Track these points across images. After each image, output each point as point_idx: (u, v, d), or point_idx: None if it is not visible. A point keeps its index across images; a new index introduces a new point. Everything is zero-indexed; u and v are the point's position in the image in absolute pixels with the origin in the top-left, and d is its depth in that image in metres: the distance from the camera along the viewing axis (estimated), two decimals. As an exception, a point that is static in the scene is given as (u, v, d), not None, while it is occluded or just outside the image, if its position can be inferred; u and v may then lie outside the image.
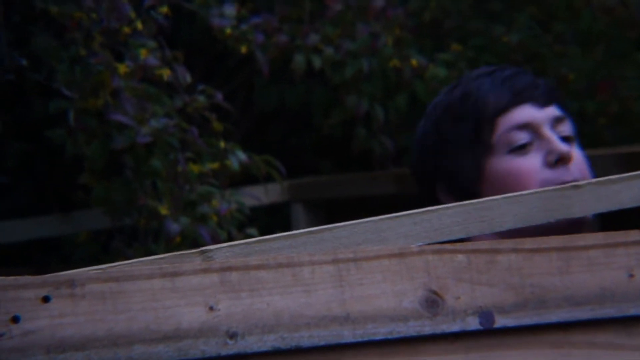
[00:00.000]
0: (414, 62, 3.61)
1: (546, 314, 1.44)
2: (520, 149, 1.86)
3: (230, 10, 3.47)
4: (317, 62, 3.57)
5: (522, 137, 1.85)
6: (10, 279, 1.30)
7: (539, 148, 1.86)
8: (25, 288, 1.30)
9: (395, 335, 1.40)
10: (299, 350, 1.37)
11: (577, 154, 1.87)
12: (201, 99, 3.14)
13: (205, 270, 1.36)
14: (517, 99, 1.88)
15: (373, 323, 1.40)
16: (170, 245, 2.92)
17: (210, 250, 1.40)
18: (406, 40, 3.72)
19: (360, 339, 1.39)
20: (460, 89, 1.93)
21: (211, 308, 1.35)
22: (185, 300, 1.35)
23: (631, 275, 1.46)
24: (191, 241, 2.96)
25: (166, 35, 3.22)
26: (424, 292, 1.42)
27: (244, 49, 3.44)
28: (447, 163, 1.91)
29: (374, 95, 3.72)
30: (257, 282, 1.38)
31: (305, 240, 1.44)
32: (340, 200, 3.89)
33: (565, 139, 1.88)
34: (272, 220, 3.98)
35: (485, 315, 1.43)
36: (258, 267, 1.38)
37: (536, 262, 1.46)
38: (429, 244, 1.47)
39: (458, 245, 1.45)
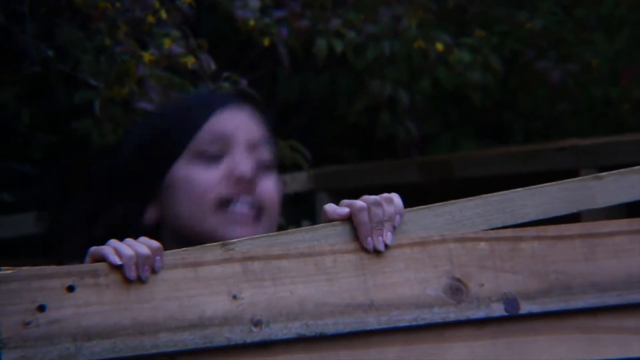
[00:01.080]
0: (439, 46, 3.59)
1: (572, 299, 1.44)
2: (208, 160, 1.73)
3: (253, 2, 3.46)
4: (338, 46, 3.56)
5: (212, 147, 1.73)
6: (36, 268, 1.31)
7: (227, 161, 1.73)
8: (50, 278, 1.31)
9: (420, 322, 1.40)
10: (323, 337, 1.38)
11: (268, 183, 1.74)
12: (226, 85, 3.15)
13: (227, 260, 1.37)
14: (220, 106, 1.77)
15: (397, 310, 1.40)
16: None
17: (232, 243, 1.41)
18: (430, 22, 3.70)
19: (385, 326, 1.40)
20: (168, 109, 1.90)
21: (235, 297, 1.36)
22: (209, 289, 1.35)
23: (657, 261, 1.46)
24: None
25: (190, 24, 3.23)
26: (447, 279, 1.42)
27: (266, 42, 3.44)
28: (131, 166, 1.75)
29: (399, 80, 3.71)
30: (280, 271, 1.38)
31: (327, 233, 1.44)
32: (365, 189, 3.87)
33: (264, 166, 1.75)
34: (297, 209, 3.99)
35: (510, 301, 1.43)
36: (280, 257, 1.39)
37: (560, 249, 1.46)
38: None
39: (480, 233, 1.45)
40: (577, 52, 3.99)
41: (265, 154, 1.78)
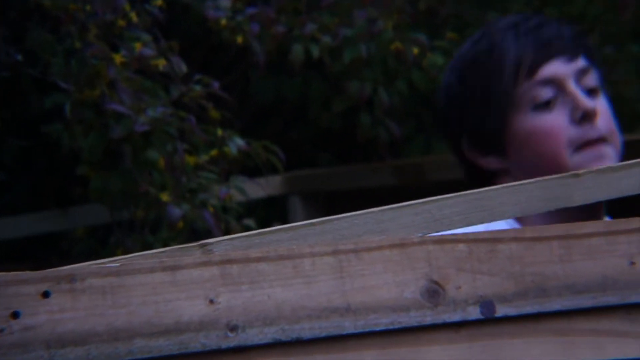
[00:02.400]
0: (415, 50, 3.60)
1: (548, 302, 1.44)
2: (545, 106, 1.80)
3: (225, 1, 3.46)
4: (315, 51, 3.57)
5: (546, 93, 1.79)
6: (11, 274, 1.29)
7: (564, 104, 1.81)
8: (25, 283, 1.29)
9: (397, 326, 1.40)
10: (300, 342, 1.37)
11: (602, 107, 1.82)
12: (197, 88, 3.14)
13: (205, 264, 1.36)
14: (542, 54, 1.82)
15: (374, 314, 1.39)
16: (174, 232, 2.92)
17: (210, 244, 1.39)
18: (405, 24, 3.72)
19: (361, 330, 1.39)
20: (485, 42, 1.87)
21: (211, 301, 1.35)
22: (186, 293, 1.34)
23: (633, 263, 1.46)
24: (190, 229, 2.95)
25: (161, 28, 3.21)
26: (425, 282, 1.41)
27: (240, 40, 3.44)
28: (471, 117, 1.87)
29: (376, 80, 3.72)
30: (258, 274, 1.37)
31: (306, 232, 1.43)
32: (339, 192, 3.88)
33: (591, 91, 1.82)
34: (270, 212, 3.98)
35: (486, 304, 1.43)
36: (259, 259, 1.38)
37: (537, 250, 1.45)
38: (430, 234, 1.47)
39: (459, 235, 1.44)
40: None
41: (592, 78, 1.83)
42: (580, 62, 1.84)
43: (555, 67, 1.82)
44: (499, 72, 1.83)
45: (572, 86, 1.81)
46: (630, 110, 4.03)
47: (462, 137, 1.90)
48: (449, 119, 1.92)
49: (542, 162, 1.77)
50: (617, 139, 1.82)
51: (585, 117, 1.79)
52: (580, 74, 1.83)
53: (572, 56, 1.82)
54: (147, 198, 2.97)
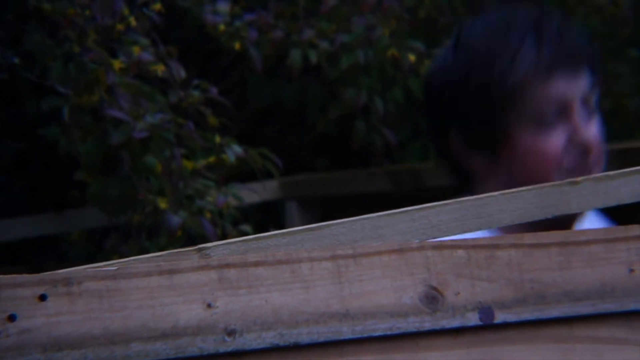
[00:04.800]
0: (411, 57, 3.61)
1: (547, 309, 1.43)
2: (548, 124, 1.78)
3: (223, 7, 3.46)
4: (313, 57, 3.57)
5: (552, 111, 1.77)
6: (7, 277, 1.29)
7: (565, 126, 1.79)
8: (21, 286, 1.29)
9: (395, 331, 1.39)
10: (297, 347, 1.37)
11: (597, 132, 1.81)
12: (196, 93, 3.14)
13: (203, 268, 1.35)
14: (562, 66, 1.77)
15: (372, 319, 1.39)
16: (172, 239, 2.92)
17: (208, 248, 1.39)
18: (403, 31, 3.72)
19: (359, 335, 1.38)
20: (501, 33, 1.79)
21: (209, 305, 1.34)
22: (183, 297, 1.34)
23: (632, 270, 1.46)
24: (187, 236, 2.95)
25: (159, 32, 3.21)
26: (423, 288, 1.41)
27: (237, 46, 3.44)
28: (469, 111, 1.81)
29: (373, 88, 3.72)
30: (256, 278, 1.37)
31: (303, 238, 1.43)
32: (335, 197, 3.88)
33: (591, 112, 1.80)
34: (266, 218, 3.97)
35: (485, 310, 1.42)
36: (256, 264, 1.37)
37: (536, 257, 1.45)
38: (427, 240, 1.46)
39: (458, 241, 1.44)
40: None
41: (594, 99, 1.80)
42: (588, 80, 1.80)
43: (568, 86, 1.79)
44: (512, 72, 1.77)
45: (577, 112, 1.78)
46: (630, 119, 4.04)
47: (452, 127, 1.84)
48: (442, 104, 1.84)
49: (529, 176, 1.74)
50: (602, 164, 1.82)
51: (583, 149, 1.78)
52: (587, 95, 1.80)
53: (586, 71, 1.78)
54: (145, 204, 2.97)
